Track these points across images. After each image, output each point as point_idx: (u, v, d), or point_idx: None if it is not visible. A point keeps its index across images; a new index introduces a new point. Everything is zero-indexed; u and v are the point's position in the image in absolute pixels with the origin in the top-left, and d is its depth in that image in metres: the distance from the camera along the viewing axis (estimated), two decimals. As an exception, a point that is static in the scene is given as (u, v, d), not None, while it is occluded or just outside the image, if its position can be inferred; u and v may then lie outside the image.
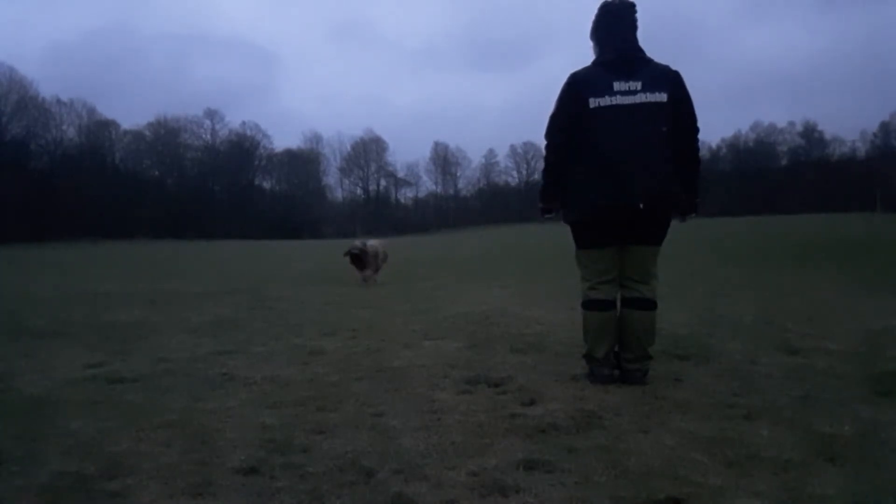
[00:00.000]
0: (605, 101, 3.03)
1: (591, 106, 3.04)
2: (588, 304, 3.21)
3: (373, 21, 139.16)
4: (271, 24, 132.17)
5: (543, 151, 3.31)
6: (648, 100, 3.03)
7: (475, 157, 78.65)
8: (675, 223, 3.27)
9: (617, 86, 3.04)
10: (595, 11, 3.26)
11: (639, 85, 3.03)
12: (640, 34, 3.21)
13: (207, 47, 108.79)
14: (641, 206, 3.02)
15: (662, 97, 3.04)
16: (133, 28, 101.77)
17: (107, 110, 65.01)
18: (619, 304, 3.25)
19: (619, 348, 3.21)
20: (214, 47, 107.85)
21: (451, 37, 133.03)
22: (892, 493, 1.89)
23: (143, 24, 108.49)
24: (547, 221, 3.48)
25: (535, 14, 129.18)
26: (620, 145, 3.03)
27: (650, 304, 3.19)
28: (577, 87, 3.10)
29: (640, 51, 3.17)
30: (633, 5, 3.22)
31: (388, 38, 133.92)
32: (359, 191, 74.29)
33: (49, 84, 72.37)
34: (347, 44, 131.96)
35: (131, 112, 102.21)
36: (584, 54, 4.54)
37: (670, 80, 3.09)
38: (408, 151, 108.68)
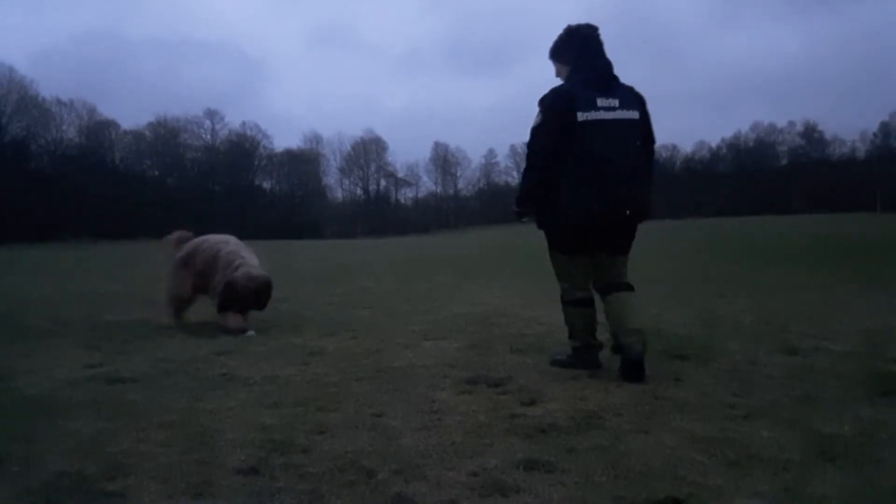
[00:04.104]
0: (592, 115, 3.25)
1: (580, 119, 3.24)
2: (579, 302, 3.45)
3: (357, 27, 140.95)
4: (262, 29, 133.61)
5: (527, 160, 3.46)
6: (625, 116, 3.31)
7: (475, 157, 78.60)
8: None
9: (600, 102, 3.28)
10: (563, 34, 3.48)
11: (616, 102, 3.30)
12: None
13: (203, 51, 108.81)
14: (628, 212, 3.32)
15: (635, 115, 3.34)
16: (129, 31, 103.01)
17: (107, 110, 65.02)
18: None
19: (616, 333, 3.35)
20: (211, 51, 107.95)
21: (436, 42, 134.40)
22: (892, 494, 1.89)
23: (138, 28, 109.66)
24: (523, 224, 3.68)
25: (515, 18, 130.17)
26: (608, 156, 3.27)
27: (630, 286, 3.42)
28: (566, 101, 3.30)
29: (613, 69, 3.43)
30: (597, 27, 3.49)
31: (373, 44, 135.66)
32: (359, 191, 74.32)
33: (48, 85, 72.55)
34: (335, 49, 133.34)
35: (131, 112, 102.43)
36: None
37: (639, 101, 3.39)
38: (407, 152, 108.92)
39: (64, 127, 54.45)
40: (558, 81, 3.52)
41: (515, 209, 3.55)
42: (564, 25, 3.51)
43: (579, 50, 3.42)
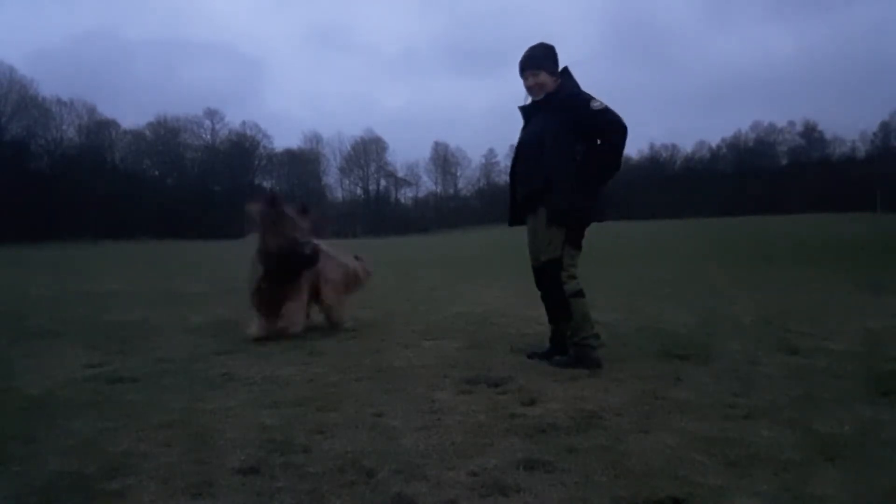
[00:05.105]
0: None
1: None
2: (582, 292, 3.54)
3: (356, 27, 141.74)
4: (262, 29, 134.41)
5: (622, 125, 3.47)
6: None
7: (475, 156, 78.74)
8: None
9: None
10: (548, 49, 3.67)
11: None
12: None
13: (203, 51, 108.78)
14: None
15: None
16: (128, 32, 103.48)
17: (107, 110, 65.07)
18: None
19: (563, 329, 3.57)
20: (210, 51, 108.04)
21: (435, 42, 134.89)
22: (893, 494, 1.89)
23: (137, 29, 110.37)
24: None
25: (514, 18, 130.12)
26: None
27: None
28: None
29: None
30: None
31: (373, 44, 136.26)
32: (359, 191, 74.32)
33: (48, 85, 72.58)
34: (335, 49, 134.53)
35: (131, 112, 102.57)
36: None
37: None
38: (407, 152, 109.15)
39: (64, 127, 54.50)
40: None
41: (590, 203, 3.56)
42: (541, 39, 3.74)
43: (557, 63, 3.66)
